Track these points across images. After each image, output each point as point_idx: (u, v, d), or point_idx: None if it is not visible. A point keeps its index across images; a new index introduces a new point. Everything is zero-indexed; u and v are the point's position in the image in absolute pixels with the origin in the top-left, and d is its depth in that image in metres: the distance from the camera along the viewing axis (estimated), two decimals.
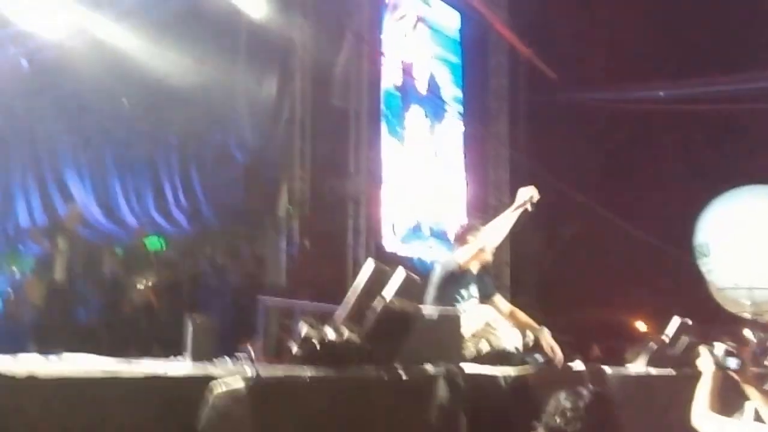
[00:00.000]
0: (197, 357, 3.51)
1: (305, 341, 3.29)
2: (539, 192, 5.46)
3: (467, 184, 13.94)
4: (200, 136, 11.31)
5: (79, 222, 10.24)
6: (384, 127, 12.35)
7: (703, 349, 3.88)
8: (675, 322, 7.07)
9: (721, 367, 3.74)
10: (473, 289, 5.47)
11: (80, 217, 10.41)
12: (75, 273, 9.72)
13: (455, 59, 14.04)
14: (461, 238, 5.64)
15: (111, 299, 9.84)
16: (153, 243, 11.00)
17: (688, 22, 15.63)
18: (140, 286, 9.60)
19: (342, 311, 3.92)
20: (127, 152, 11.75)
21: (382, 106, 12.35)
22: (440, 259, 5.60)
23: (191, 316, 3.46)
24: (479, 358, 5.02)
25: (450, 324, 4.27)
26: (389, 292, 4.07)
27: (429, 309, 5.10)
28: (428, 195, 13.11)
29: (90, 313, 9.62)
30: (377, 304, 3.76)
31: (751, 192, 14.29)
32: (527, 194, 5.44)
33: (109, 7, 10.01)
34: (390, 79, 12.60)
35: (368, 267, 4.20)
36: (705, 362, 3.81)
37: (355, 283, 4.17)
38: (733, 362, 3.73)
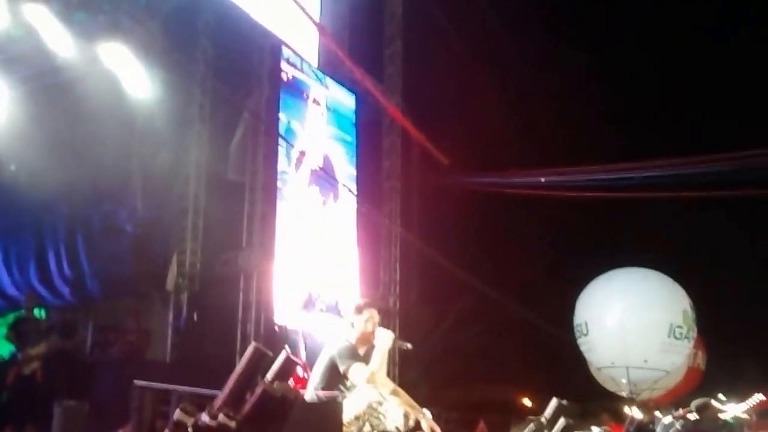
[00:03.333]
0: None
1: (177, 426, 3.30)
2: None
3: (359, 260, 14.12)
4: (89, 206, 11.10)
5: None
6: (279, 201, 12.44)
7: None
8: (553, 403, 7.30)
9: None
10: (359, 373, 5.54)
11: None
12: None
13: (350, 138, 14.40)
14: (357, 311, 5.75)
15: None
16: (38, 313, 10.58)
17: (572, 115, 16.68)
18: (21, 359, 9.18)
19: (222, 395, 3.95)
20: (11, 219, 11.38)
21: (278, 182, 12.46)
22: (331, 343, 5.66)
23: (60, 400, 3.41)
24: None
25: (331, 408, 4.35)
26: (271, 375, 4.13)
27: (310, 393, 5.19)
28: (321, 270, 13.20)
29: None
30: (257, 388, 3.81)
31: (626, 274, 15.02)
32: (389, 340, 5.65)
33: (4, 72, 9.81)
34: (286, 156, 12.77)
35: (250, 350, 4.25)
36: None
37: (237, 366, 4.20)
38: None
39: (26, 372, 9.02)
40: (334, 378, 5.46)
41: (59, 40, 9.08)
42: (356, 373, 5.41)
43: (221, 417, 3.40)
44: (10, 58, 9.58)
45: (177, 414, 3.30)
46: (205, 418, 3.35)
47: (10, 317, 10.29)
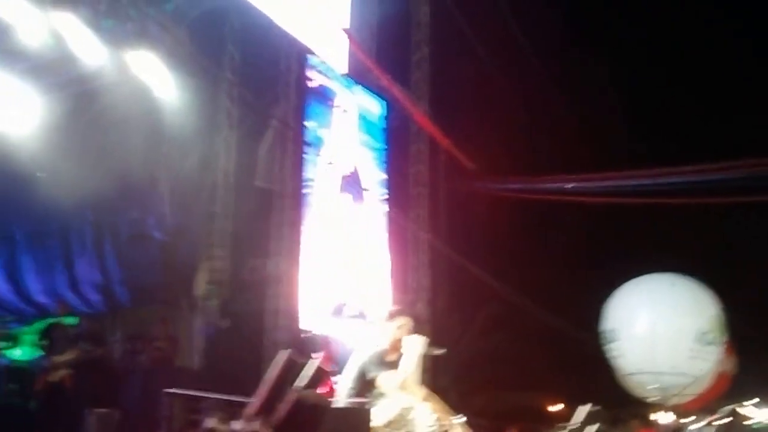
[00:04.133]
0: None
1: None
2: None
3: (389, 266, 14.07)
4: (117, 213, 11.14)
5: None
6: (307, 208, 12.42)
7: None
8: (583, 409, 7.24)
9: None
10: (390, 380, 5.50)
11: None
12: None
13: (379, 145, 14.38)
14: (389, 318, 5.71)
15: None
16: (68, 321, 10.63)
17: (598, 120, 16.56)
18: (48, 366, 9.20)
19: (254, 403, 3.93)
20: (39, 226, 11.45)
21: (306, 189, 12.44)
22: (361, 350, 5.62)
23: (89, 408, 3.40)
24: None
25: (360, 416, 4.32)
26: (302, 383, 4.11)
27: (341, 401, 5.15)
28: (350, 276, 13.16)
29: None
30: (289, 396, 3.79)
31: (655, 280, 14.88)
32: (422, 344, 5.59)
33: (33, 80, 9.89)
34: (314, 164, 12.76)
35: (281, 358, 4.23)
36: None
37: (268, 374, 4.18)
38: None
39: (53, 379, 9.05)
40: (364, 385, 5.42)
41: (87, 48, 9.15)
42: (387, 380, 5.37)
43: (256, 425, 3.38)
44: (39, 65, 9.65)
45: (212, 422, 3.28)
46: (240, 425, 3.32)
47: (39, 324, 10.35)
